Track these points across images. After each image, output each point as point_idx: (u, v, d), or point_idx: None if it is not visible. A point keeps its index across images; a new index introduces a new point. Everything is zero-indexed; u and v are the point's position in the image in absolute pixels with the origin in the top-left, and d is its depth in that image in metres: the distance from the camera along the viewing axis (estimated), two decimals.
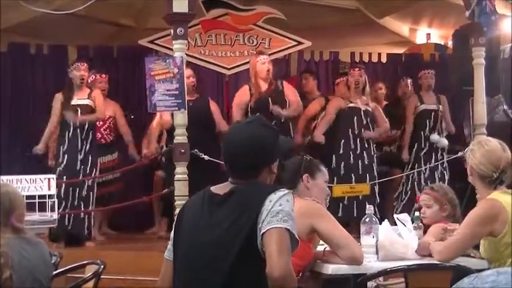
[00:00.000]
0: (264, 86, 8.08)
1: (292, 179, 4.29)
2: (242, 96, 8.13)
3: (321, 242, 4.22)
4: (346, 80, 8.86)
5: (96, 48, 10.14)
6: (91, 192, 8.02)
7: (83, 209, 7.95)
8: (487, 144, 4.17)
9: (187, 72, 7.67)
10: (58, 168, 7.89)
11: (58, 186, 7.72)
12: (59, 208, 7.65)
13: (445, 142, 8.89)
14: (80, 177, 7.94)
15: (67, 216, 7.86)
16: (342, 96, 8.69)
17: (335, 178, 8.25)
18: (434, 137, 8.89)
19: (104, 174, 8.41)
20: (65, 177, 7.84)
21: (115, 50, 10.21)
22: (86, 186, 7.99)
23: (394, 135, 9.38)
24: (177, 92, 6.90)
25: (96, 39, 10.21)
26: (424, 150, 8.88)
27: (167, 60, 7.01)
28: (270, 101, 8.00)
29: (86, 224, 8.03)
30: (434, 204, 4.88)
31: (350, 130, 8.36)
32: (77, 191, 7.90)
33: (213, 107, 8.46)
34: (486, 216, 4.01)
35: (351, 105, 8.43)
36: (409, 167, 8.88)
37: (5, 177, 6.42)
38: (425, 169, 8.75)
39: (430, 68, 9.44)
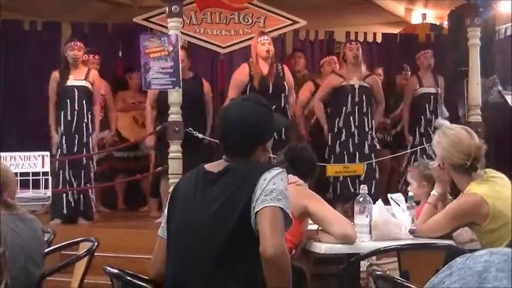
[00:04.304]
0: (264, 67, 7.88)
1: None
2: (241, 76, 7.97)
3: (310, 221, 4.23)
4: (330, 59, 9.13)
5: (90, 25, 10.10)
6: (92, 173, 8.03)
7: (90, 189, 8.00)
8: (452, 133, 4.13)
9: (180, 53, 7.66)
10: (59, 150, 7.85)
11: (61, 167, 7.71)
12: (63, 188, 7.69)
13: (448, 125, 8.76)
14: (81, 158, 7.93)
15: (74, 195, 7.86)
16: (337, 73, 8.65)
17: (332, 156, 8.27)
18: (439, 121, 8.80)
19: (99, 152, 8.39)
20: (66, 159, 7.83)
21: (110, 28, 10.17)
22: (90, 167, 7.98)
23: (388, 123, 9.40)
24: (171, 70, 6.88)
25: (90, 17, 10.17)
26: (425, 134, 8.75)
27: (162, 38, 6.99)
28: (270, 85, 7.89)
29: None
30: (413, 181, 4.89)
31: (344, 108, 8.34)
32: (82, 172, 7.88)
33: (206, 88, 8.40)
34: (466, 210, 4.06)
35: (344, 83, 8.39)
36: (411, 151, 8.77)
37: None
38: (427, 151, 8.67)
39: (426, 48, 9.40)
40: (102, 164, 8.79)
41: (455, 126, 4.30)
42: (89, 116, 8.01)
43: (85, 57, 8.39)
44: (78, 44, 8.11)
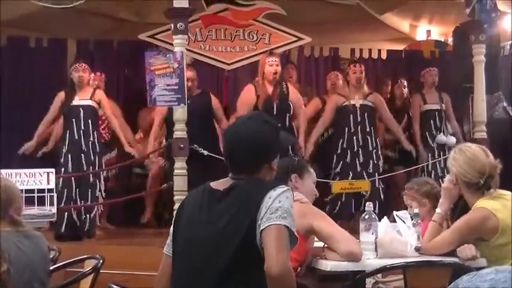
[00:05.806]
0: (269, 88, 7.94)
1: (281, 178, 4.28)
2: (248, 98, 7.97)
3: (316, 239, 4.22)
4: (332, 74, 9.25)
5: (96, 42, 10.14)
6: (100, 192, 8.05)
7: (95, 208, 8.02)
8: (468, 151, 4.16)
9: (190, 74, 7.69)
10: (63, 168, 7.84)
11: (67, 185, 7.71)
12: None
13: (452, 140, 8.74)
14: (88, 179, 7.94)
15: (79, 215, 7.86)
16: (339, 93, 8.67)
17: (337, 177, 8.25)
18: (442, 138, 8.82)
19: (103, 169, 8.40)
20: (73, 178, 7.83)
21: (115, 44, 10.20)
22: (98, 186, 7.99)
23: (392, 140, 9.37)
24: (176, 87, 6.89)
25: (96, 33, 10.20)
26: (431, 151, 8.79)
27: (167, 55, 7.00)
28: (275, 105, 7.90)
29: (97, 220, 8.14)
30: (412, 203, 4.83)
31: (346, 129, 8.34)
32: (89, 192, 7.89)
33: (215, 103, 8.41)
34: (475, 225, 4.07)
35: (346, 103, 8.40)
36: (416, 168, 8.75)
37: (4, 171, 6.42)
38: (434, 168, 8.66)
39: (430, 65, 9.42)
40: (112, 181, 8.79)
41: (472, 145, 4.31)
42: (95, 135, 8.03)
43: (91, 76, 8.42)
44: (83, 65, 8.16)
